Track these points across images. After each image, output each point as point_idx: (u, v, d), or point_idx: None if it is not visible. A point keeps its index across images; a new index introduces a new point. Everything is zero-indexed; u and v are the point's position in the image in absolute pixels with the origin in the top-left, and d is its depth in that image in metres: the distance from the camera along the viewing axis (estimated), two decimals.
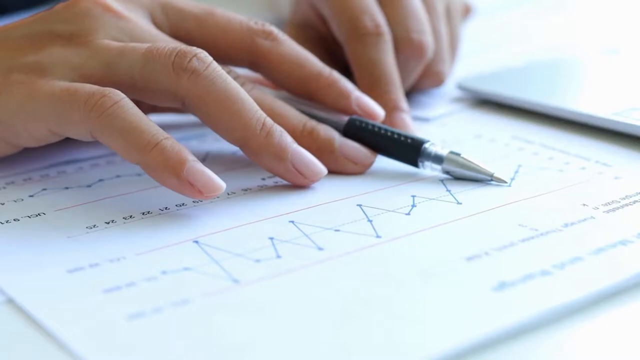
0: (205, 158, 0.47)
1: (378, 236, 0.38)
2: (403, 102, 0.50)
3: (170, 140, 0.39)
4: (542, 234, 0.37)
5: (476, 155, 0.44)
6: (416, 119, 0.53)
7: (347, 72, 0.53)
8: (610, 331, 0.32)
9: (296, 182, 0.43)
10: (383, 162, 0.46)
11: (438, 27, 0.54)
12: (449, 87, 0.57)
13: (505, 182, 0.43)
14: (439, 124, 0.53)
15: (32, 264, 0.36)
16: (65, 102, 0.40)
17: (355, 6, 0.51)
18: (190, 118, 0.51)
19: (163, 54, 0.41)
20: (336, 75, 0.47)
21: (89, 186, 0.44)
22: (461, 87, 0.56)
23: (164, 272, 0.35)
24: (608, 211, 0.40)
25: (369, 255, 0.36)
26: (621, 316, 0.32)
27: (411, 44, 0.51)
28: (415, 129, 0.49)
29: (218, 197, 0.42)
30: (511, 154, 0.47)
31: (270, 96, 0.45)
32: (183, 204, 0.41)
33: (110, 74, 0.41)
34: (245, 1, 0.58)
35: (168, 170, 0.39)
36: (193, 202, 0.41)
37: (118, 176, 0.45)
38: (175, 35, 0.45)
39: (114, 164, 0.47)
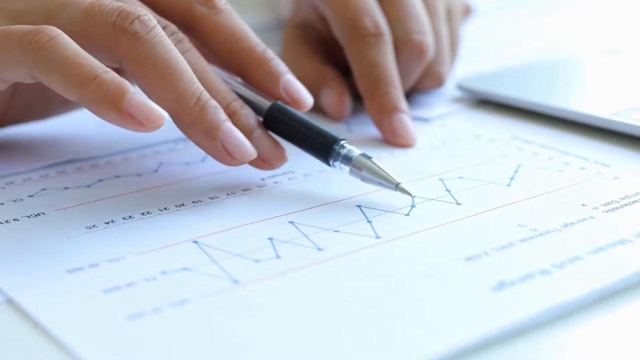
0: (205, 158, 0.47)
1: (377, 237, 0.38)
2: (402, 103, 0.50)
3: (109, 74, 0.37)
4: (541, 234, 0.37)
5: (476, 156, 0.44)
6: (416, 119, 0.53)
7: (347, 72, 0.53)
8: (610, 331, 0.32)
9: (224, 162, 0.41)
10: (382, 162, 0.46)
11: (438, 28, 0.54)
12: (449, 87, 0.57)
13: (410, 195, 0.40)
14: (438, 124, 0.53)
15: (32, 264, 0.36)
16: (0, 43, 0.38)
17: (355, 7, 0.51)
18: None
19: (105, 12, 0.39)
20: (270, 54, 0.45)
21: (88, 186, 0.44)
22: (461, 87, 0.56)
23: (163, 272, 0.35)
24: (607, 211, 0.40)
25: (368, 255, 0.36)
26: (621, 315, 0.32)
27: (411, 45, 0.51)
28: (415, 130, 0.49)
29: (217, 197, 0.42)
30: (511, 154, 0.47)
31: (204, 63, 0.43)
32: (182, 205, 0.41)
33: (50, 25, 0.39)
34: (245, 1, 0.58)
35: (107, 104, 0.37)
36: (192, 202, 0.41)
37: (117, 176, 0.45)
38: None
39: (114, 164, 0.47)
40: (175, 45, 0.41)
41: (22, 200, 0.42)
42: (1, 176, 0.45)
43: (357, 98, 0.52)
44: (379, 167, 0.41)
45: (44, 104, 0.48)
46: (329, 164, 0.43)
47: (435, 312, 0.32)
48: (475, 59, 0.64)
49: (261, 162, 0.43)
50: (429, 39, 0.52)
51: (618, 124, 0.48)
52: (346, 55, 0.52)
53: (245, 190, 0.43)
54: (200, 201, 0.42)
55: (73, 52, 0.38)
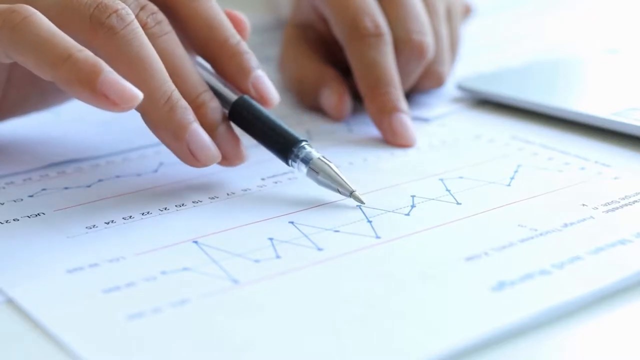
0: None
1: (378, 237, 0.38)
2: (402, 103, 0.50)
3: (84, 53, 0.37)
4: (541, 234, 0.37)
5: (476, 156, 0.44)
6: (416, 119, 0.53)
7: (347, 72, 0.53)
8: (610, 331, 0.32)
9: (188, 163, 0.41)
10: (382, 162, 0.46)
11: (439, 28, 0.54)
12: (449, 87, 0.57)
13: (363, 203, 0.40)
14: (438, 124, 0.53)
15: (32, 264, 0.36)
16: None
17: (355, 7, 0.51)
18: None
19: (83, 3, 0.39)
20: (243, 47, 0.44)
21: (88, 186, 0.44)
22: (461, 87, 0.56)
23: (163, 272, 0.35)
24: (607, 211, 0.40)
25: (368, 255, 0.36)
26: (620, 315, 0.32)
27: (412, 45, 0.51)
28: (415, 130, 0.49)
29: (217, 197, 0.42)
30: (511, 154, 0.47)
31: (180, 50, 0.42)
32: (182, 205, 0.41)
33: None
34: (245, 1, 0.58)
35: (82, 83, 0.36)
36: (192, 202, 0.41)
37: (117, 176, 0.45)
38: None
39: (114, 164, 0.47)
40: (153, 27, 0.41)
41: (22, 200, 0.42)
42: (1, 176, 0.45)
43: (357, 98, 0.52)
44: (335, 172, 0.41)
45: (38, 92, 0.48)
46: (288, 164, 0.42)
47: (435, 312, 0.32)
48: (475, 59, 0.64)
49: (222, 158, 0.42)
50: (429, 39, 0.52)
51: (618, 124, 0.48)
52: (346, 55, 0.52)
53: (245, 190, 0.43)
54: (200, 201, 0.42)
55: (46, 31, 0.37)
